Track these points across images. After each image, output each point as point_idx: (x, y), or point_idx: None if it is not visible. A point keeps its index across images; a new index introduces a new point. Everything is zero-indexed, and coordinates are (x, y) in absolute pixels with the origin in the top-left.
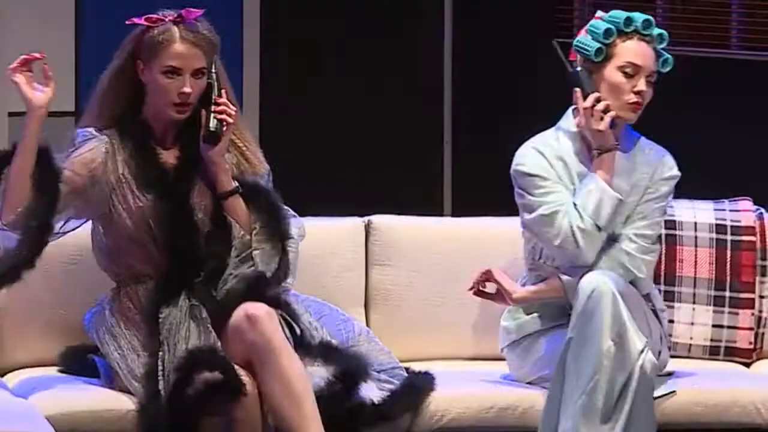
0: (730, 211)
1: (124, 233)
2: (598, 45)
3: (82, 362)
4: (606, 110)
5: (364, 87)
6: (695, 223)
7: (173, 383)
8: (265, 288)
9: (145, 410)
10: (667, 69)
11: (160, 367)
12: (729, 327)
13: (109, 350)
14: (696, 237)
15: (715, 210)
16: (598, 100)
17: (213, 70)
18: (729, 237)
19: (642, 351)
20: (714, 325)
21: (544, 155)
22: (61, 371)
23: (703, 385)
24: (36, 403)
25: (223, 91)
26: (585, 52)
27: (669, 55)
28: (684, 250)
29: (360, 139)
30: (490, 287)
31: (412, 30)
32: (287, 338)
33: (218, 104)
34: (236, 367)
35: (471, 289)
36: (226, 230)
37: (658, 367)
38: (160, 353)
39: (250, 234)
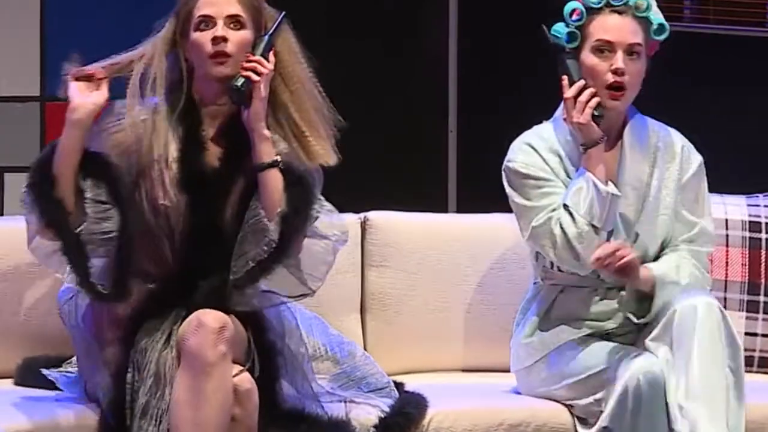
0: (765, 206)
1: (141, 225)
2: (567, 29)
3: (40, 375)
4: (590, 100)
5: (364, 74)
6: (726, 220)
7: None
8: (228, 294)
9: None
10: (663, 36)
11: (128, 388)
12: (763, 335)
13: (78, 339)
14: (727, 235)
15: (749, 206)
16: (582, 90)
17: (270, 32)
18: (764, 235)
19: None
20: (747, 333)
21: (537, 150)
22: (16, 384)
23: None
24: None
25: (271, 53)
26: (558, 39)
27: (662, 21)
28: (714, 249)
29: (358, 131)
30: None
31: (415, 13)
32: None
33: (250, 61)
34: (236, 366)
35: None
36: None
37: None
38: (128, 374)
39: (275, 217)
